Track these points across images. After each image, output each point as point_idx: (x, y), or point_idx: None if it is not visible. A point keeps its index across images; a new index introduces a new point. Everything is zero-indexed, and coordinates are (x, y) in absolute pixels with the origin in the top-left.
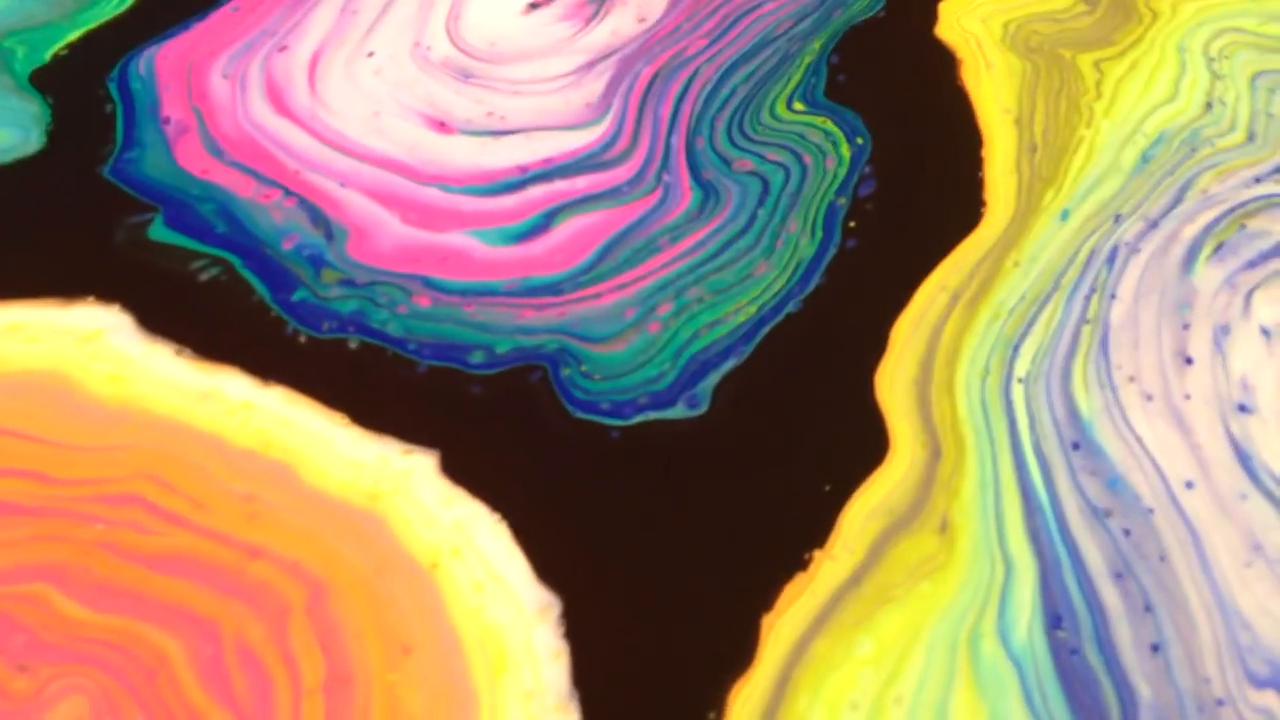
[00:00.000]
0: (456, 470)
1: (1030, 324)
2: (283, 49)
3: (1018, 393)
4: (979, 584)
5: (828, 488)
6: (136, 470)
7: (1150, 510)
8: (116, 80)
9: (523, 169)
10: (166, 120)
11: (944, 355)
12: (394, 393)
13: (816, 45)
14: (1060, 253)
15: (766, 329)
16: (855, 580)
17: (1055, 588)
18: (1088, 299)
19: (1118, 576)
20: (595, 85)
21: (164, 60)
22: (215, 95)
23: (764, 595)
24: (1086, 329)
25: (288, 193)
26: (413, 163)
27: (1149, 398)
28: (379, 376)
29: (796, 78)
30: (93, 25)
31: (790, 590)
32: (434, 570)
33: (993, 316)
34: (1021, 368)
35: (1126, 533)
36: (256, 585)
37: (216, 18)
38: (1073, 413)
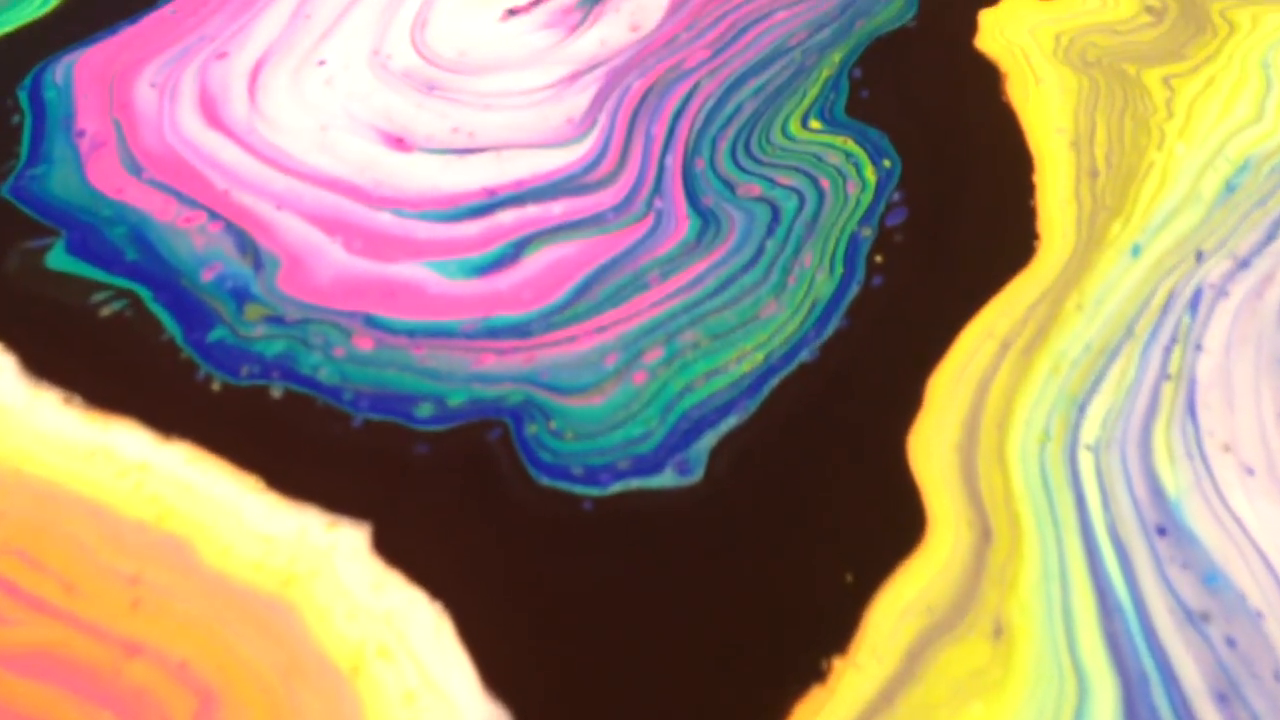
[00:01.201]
0: (392, 548)
1: (1099, 379)
2: (221, 56)
3: (1086, 462)
4: (1045, 705)
5: (850, 577)
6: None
7: (1259, 614)
8: (28, 88)
9: (490, 192)
10: (80, 133)
11: (993, 415)
12: (322, 452)
13: (836, 57)
14: (1132, 295)
15: (775, 380)
16: (886, 698)
17: (1143, 711)
18: (1168, 350)
19: (1221, 699)
20: (579, 99)
21: (85, 67)
22: (139, 106)
23: (771, 713)
24: (1168, 386)
25: (213, 215)
26: (363, 183)
27: (1250, 471)
28: (305, 432)
29: (813, 93)
30: (10, 28)
31: (804, 708)
32: (355, 675)
33: (1052, 369)
34: (1090, 432)
35: (1230, 642)
36: (132, 692)
37: (149, 21)
38: (1156, 489)
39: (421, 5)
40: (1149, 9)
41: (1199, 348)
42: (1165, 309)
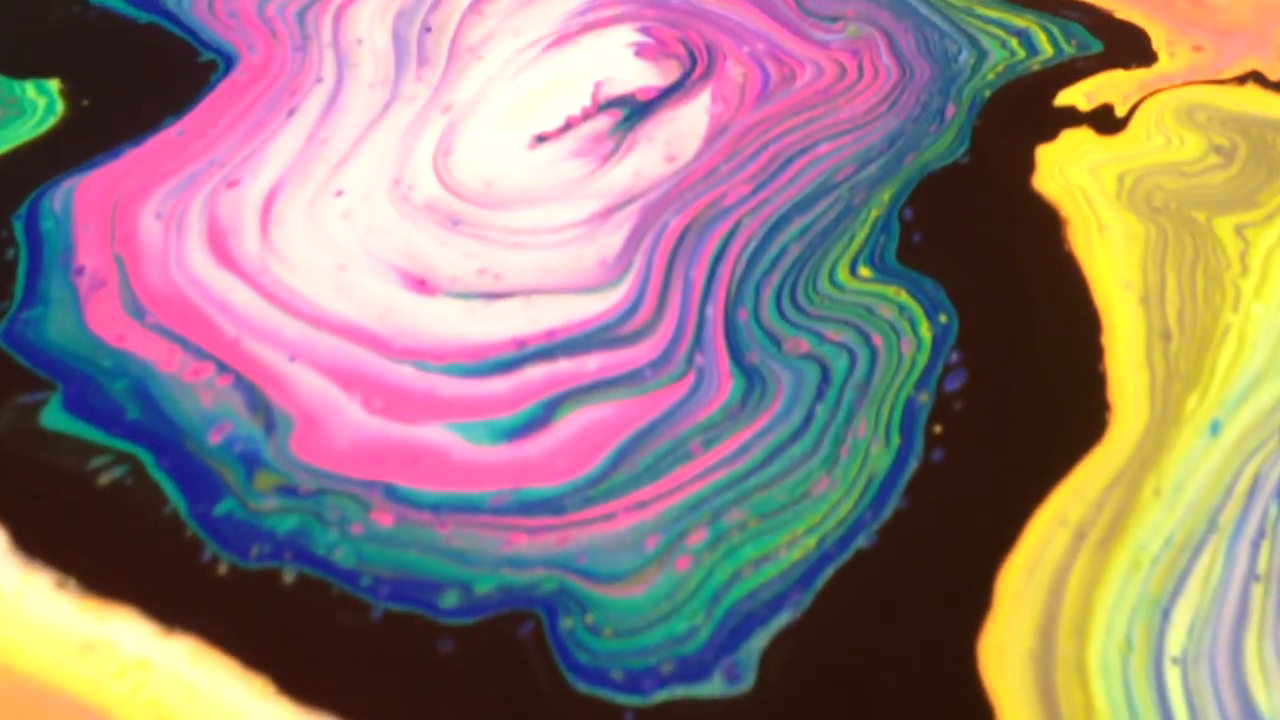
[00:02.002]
0: None
1: (1183, 578)
2: (232, 184)
3: (1173, 678)
4: None
5: None
6: None
7: None
8: (24, 218)
9: (519, 343)
10: (79, 270)
11: (1070, 619)
12: (337, 648)
13: (886, 196)
14: (1214, 480)
15: (830, 570)
16: None
17: None
18: (1255, 546)
19: None
20: (613, 238)
21: (85, 194)
22: (143, 240)
23: None
24: (1257, 589)
25: (222, 368)
26: (383, 331)
27: None
28: (320, 624)
29: (862, 235)
30: (6, 147)
31: None
32: None
33: (1132, 565)
34: (1176, 642)
35: None
36: None
37: (155, 143)
38: (1249, 710)
39: (445, 129)
40: (1217, 148)
41: None
42: (1250, 497)
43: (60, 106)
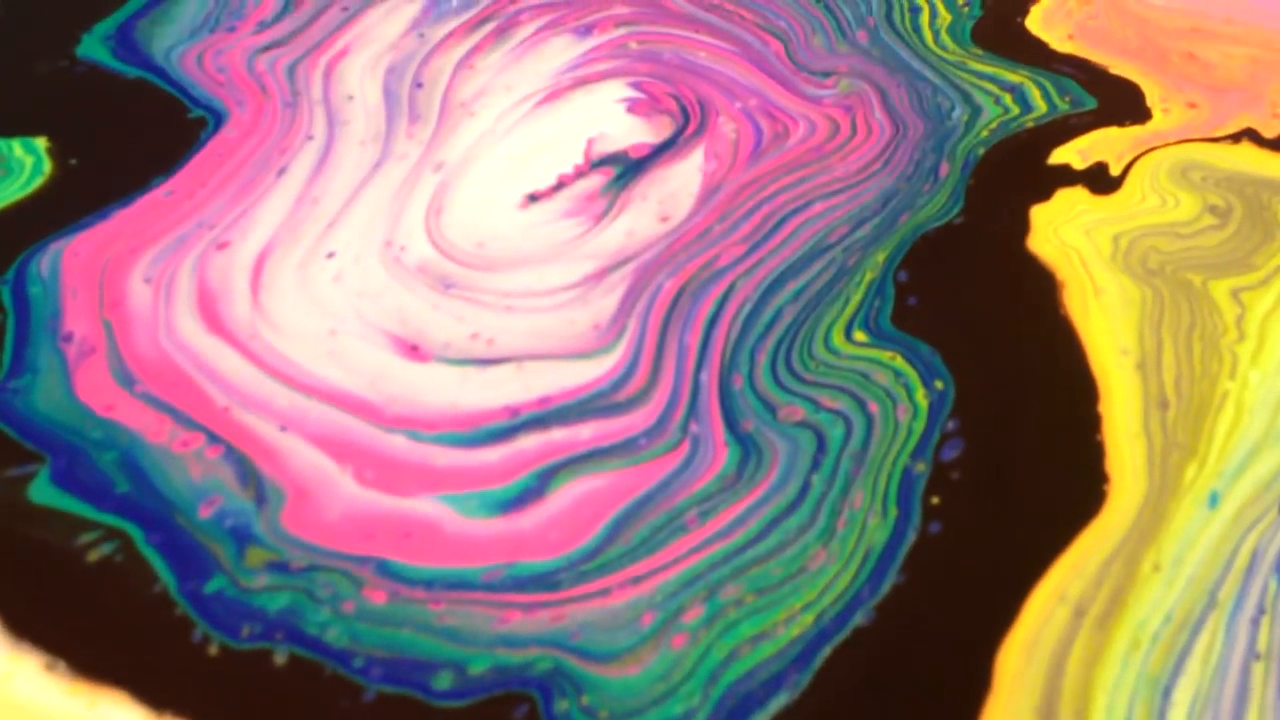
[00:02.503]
0: None
1: (1183, 657)
2: (222, 246)
3: None
4: None
5: None
6: None
7: None
8: (11, 282)
9: (513, 411)
10: (68, 337)
11: (1071, 700)
12: None
13: (880, 258)
14: (1213, 554)
15: (828, 649)
16: None
17: None
18: (1255, 623)
19: None
20: (606, 301)
21: (73, 257)
22: (133, 304)
23: None
24: (1258, 668)
25: (212, 438)
26: (375, 399)
27: None
28: (312, 707)
29: (856, 298)
30: None
31: None
32: None
33: (1132, 644)
34: None
35: None
36: None
37: (143, 204)
38: None
39: (437, 189)
40: (1212, 209)
41: None
42: (1249, 572)
43: (48, 166)
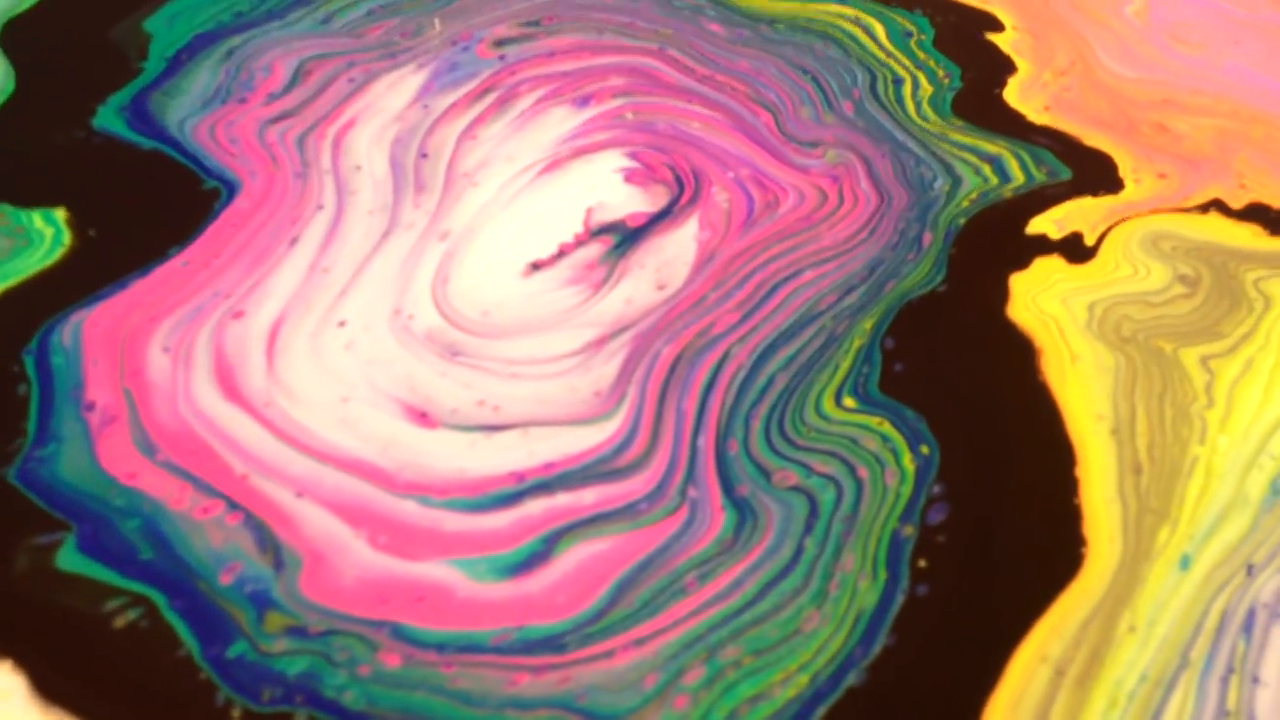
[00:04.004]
0: None
1: (1158, 715)
2: (237, 315)
3: None
4: None
5: None
6: None
7: None
8: (35, 353)
9: (519, 477)
10: (90, 406)
11: None
12: None
13: (868, 325)
14: (1184, 615)
15: (822, 710)
16: None
17: None
18: (1225, 682)
19: None
20: (606, 368)
21: (94, 327)
22: (152, 374)
23: None
24: None
25: (231, 505)
26: (386, 466)
27: None
28: None
29: (845, 365)
30: (15, 280)
31: None
32: None
33: (1109, 702)
34: None
35: None
36: None
37: (160, 274)
38: None
39: (443, 258)
40: (1182, 278)
41: (1256, 680)
42: (1219, 632)
43: (67, 237)
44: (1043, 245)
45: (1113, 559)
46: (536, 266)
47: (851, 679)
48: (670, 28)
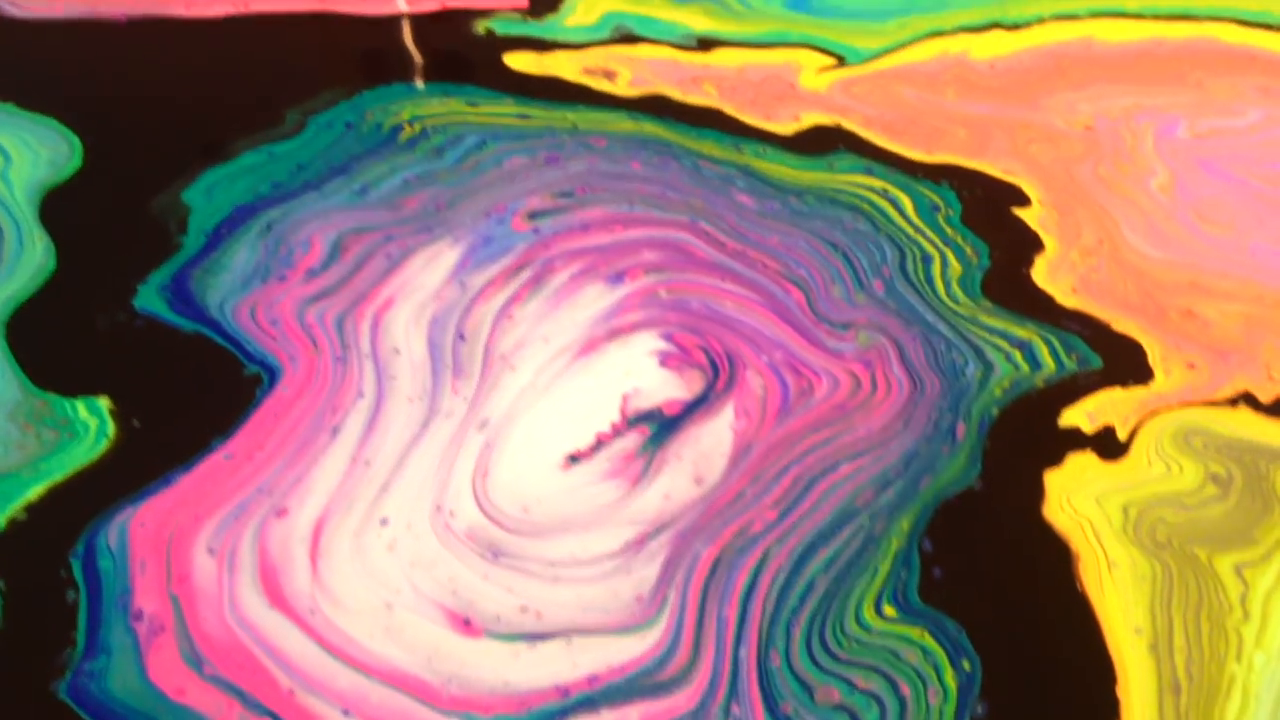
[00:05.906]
0: None
1: None
2: (281, 513)
3: None
4: None
5: None
6: None
7: None
8: (82, 556)
9: (563, 691)
10: (138, 614)
11: None
12: None
13: (905, 525)
14: None
15: None
16: None
17: None
18: None
19: None
20: (647, 571)
21: (140, 527)
22: (198, 578)
23: None
24: None
25: None
26: (431, 679)
27: None
28: None
29: (884, 569)
30: (60, 476)
31: None
32: None
33: None
34: None
35: None
36: None
37: (204, 469)
38: None
39: (482, 449)
40: (1214, 477)
41: None
42: None
43: (111, 429)
44: (1076, 440)
45: None
46: (575, 459)
47: None
48: (700, 198)
